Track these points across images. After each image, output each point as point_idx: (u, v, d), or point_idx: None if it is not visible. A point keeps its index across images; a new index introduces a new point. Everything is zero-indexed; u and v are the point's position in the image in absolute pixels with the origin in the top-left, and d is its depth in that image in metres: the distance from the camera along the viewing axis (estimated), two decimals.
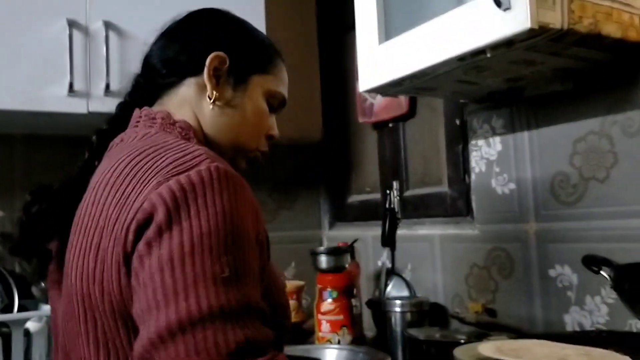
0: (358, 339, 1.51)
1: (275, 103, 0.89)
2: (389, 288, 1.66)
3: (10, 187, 1.69)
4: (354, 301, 1.53)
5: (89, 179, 0.76)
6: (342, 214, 2.04)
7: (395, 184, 1.74)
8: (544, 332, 1.20)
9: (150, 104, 0.84)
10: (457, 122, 1.53)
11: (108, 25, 1.51)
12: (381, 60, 1.25)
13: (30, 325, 1.37)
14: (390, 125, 1.78)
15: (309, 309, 1.76)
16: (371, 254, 1.83)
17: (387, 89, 1.31)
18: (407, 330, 1.36)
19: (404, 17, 1.24)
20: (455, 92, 1.38)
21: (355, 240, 1.68)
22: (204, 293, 0.58)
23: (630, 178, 1.12)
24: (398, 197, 1.73)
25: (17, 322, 1.33)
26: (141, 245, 0.61)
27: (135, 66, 0.90)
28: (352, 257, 1.67)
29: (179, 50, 0.84)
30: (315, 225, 2.09)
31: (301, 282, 1.78)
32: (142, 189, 0.64)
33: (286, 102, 0.92)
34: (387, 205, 1.72)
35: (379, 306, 1.52)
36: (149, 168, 0.66)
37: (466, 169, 1.50)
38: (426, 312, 1.48)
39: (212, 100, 0.80)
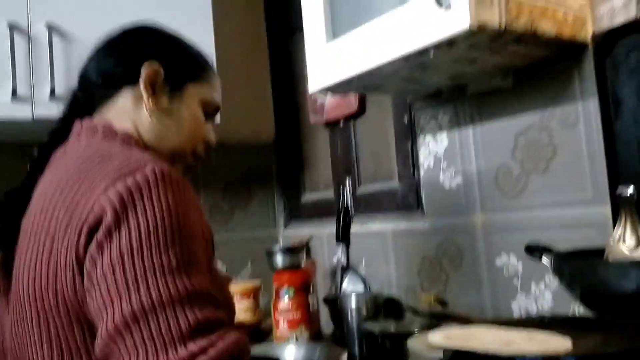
0: (316, 336, 1.53)
1: (210, 110, 0.93)
2: (344, 284, 1.69)
3: None
4: (310, 298, 1.54)
5: (33, 190, 0.78)
6: (297, 213, 2.05)
7: (347, 181, 1.76)
8: (492, 318, 1.25)
9: (90, 115, 0.86)
10: (405, 119, 1.57)
11: (51, 28, 1.48)
12: (329, 59, 1.27)
13: None
14: (341, 123, 1.80)
15: (267, 308, 1.77)
16: (326, 251, 1.85)
17: (336, 88, 1.33)
18: (363, 324, 1.39)
19: (350, 15, 1.26)
20: (402, 90, 1.42)
21: (310, 239, 1.70)
22: (154, 283, 0.61)
23: (568, 169, 1.18)
24: (351, 194, 1.76)
25: None
26: (93, 248, 0.64)
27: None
28: (308, 254, 1.69)
29: (115, 63, 0.86)
30: (270, 225, 2.10)
31: (257, 282, 1.78)
32: (90, 194, 0.66)
33: (220, 109, 0.96)
34: (340, 202, 1.75)
35: (335, 302, 1.55)
36: (96, 174, 0.68)
37: (415, 165, 1.54)
38: (381, 306, 1.51)
39: (149, 110, 0.84)
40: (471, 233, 1.38)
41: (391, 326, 1.33)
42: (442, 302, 1.45)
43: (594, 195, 1.12)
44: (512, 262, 1.29)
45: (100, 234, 0.63)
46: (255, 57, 2.12)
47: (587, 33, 1.11)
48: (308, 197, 2.01)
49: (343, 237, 1.69)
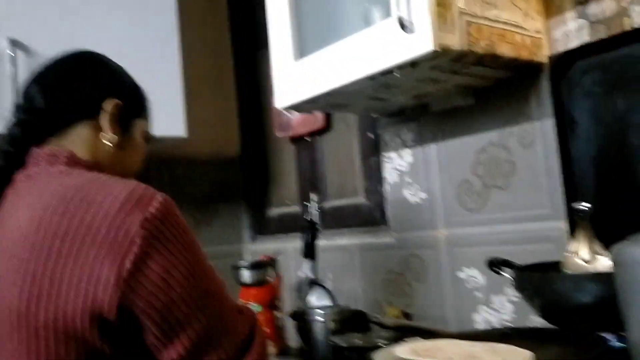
0: (283, 351, 1.54)
1: (147, 141, 1.00)
2: (311, 298, 1.70)
3: None
4: (277, 314, 1.55)
5: None
6: (263, 228, 2.06)
7: (314, 197, 1.78)
8: (456, 331, 1.28)
9: (39, 142, 0.88)
10: (370, 135, 1.60)
11: (14, 44, 1.46)
12: (295, 77, 1.29)
13: None
14: (308, 139, 1.82)
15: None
16: (293, 266, 1.86)
17: (302, 106, 1.36)
18: (330, 338, 1.40)
19: (317, 35, 1.29)
20: (367, 108, 1.45)
21: (277, 254, 1.71)
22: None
23: (526, 185, 1.22)
24: (317, 209, 1.77)
25: None
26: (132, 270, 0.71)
27: None
28: (276, 270, 1.70)
29: (72, 96, 0.89)
30: (236, 240, 2.10)
31: None
32: (111, 223, 0.72)
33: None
34: (306, 217, 1.76)
35: (302, 317, 1.55)
36: (103, 201, 0.73)
37: (380, 180, 1.57)
38: (348, 320, 1.53)
39: (111, 142, 0.89)
40: (435, 247, 1.42)
41: (357, 339, 1.35)
42: (407, 315, 1.48)
43: (551, 211, 1.17)
44: (474, 275, 1.32)
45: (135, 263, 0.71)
46: (220, 71, 2.12)
47: (544, 55, 1.17)
48: (274, 211, 2.02)
49: (309, 252, 1.70)
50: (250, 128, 2.10)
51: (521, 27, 1.14)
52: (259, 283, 1.55)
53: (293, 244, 1.83)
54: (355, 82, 1.15)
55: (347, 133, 1.70)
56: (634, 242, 0.58)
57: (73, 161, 0.84)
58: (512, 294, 1.22)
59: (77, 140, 0.87)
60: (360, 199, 1.66)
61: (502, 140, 1.27)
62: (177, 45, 1.69)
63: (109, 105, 0.89)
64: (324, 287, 1.70)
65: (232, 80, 2.15)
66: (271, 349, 1.49)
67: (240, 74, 2.14)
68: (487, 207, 1.30)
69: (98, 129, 0.89)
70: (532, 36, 1.15)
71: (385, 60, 1.07)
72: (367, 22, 1.15)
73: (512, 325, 1.21)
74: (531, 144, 1.21)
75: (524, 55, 1.15)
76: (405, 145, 1.49)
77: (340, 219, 1.72)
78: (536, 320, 1.15)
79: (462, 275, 1.35)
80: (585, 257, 0.97)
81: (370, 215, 1.62)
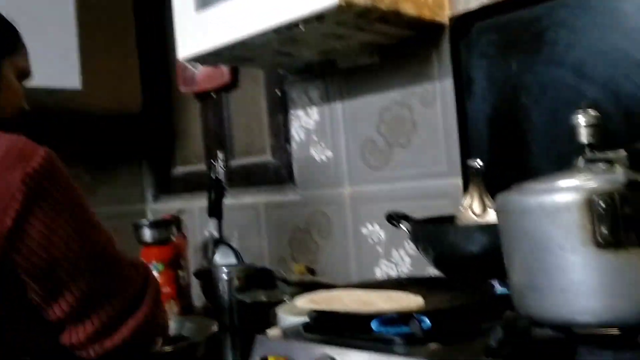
0: (187, 310, 1.52)
1: (23, 78, 0.93)
2: (216, 257, 1.68)
3: None
4: (181, 273, 1.52)
5: None
6: (167, 186, 2.00)
7: (220, 155, 1.75)
8: (355, 283, 1.32)
9: None
10: (278, 92, 1.58)
11: None
12: (198, 28, 1.24)
13: None
14: (213, 95, 1.78)
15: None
16: (198, 225, 1.83)
17: (206, 59, 1.31)
18: (234, 295, 1.40)
19: None
20: (273, 63, 1.42)
21: (180, 212, 1.66)
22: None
23: (427, 144, 1.26)
24: (223, 167, 1.74)
25: None
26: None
27: None
28: (179, 228, 1.66)
29: None
30: (138, 199, 2.03)
31: None
32: None
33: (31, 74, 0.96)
34: (212, 176, 1.73)
35: (206, 276, 1.54)
36: None
37: (287, 138, 1.56)
38: (253, 277, 1.53)
39: None
40: (340, 204, 1.44)
41: (262, 296, 1.36)
42: (312, 271, 1.50)
43: (449, 168, 1.22)
44: (376, 230, 1.36)
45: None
46: (121, 20, 2.00)
47: (445, 16, 1.19)
48: (179, 170, 1.96)
49: (215, 210, 1.68)
50: (153, 82, 2.01)
51: None
52: (161, 242, 1.51)
53: (198, 202, 1.79)
54: (259, 35, 1.12)
55: (254, 89, 1.68)
56: (516, 191, 0.61)
57: None
58: (410, 247, 1.27)
59: None
60: (267, 157, 1.64)
61: (405, 99, 1.29)
62: None
63: None
64: (229, 246, 1.69)
65: (134, 30, 2.04)
66: (173, 307, 1.47)
67: (142, 25, 2.03)
68: (389, 164, 1.33)
69: None
70: None
71: (290, 12, 1.05)
72: None
73: (409, 276, 1.26)
74: (432, 103, 1.25)
75: (426, 14, 1.16)
76: (312, 102, 1.49)
77: (246, 177, 1.70)
78: (431, 272, 1.21)
79: (365, 231, 1.39)
80: (477, 211, 1.02)
81: (277, 174, 1.61)
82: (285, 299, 1.28)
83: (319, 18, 1.04)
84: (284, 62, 1.39)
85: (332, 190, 1.45)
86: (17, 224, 0.67)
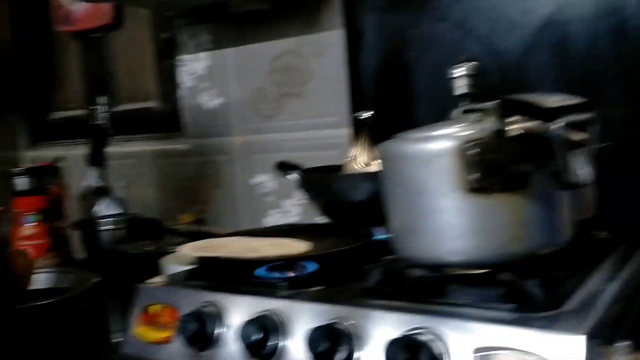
0: (66, 262, 1.45)
1: None
2: (99, 207, 1.60)
3: None
4: (59, 223, 1.44)
5: None
6: (44, 133, 1.86)
7: (102, 99, 1.64)
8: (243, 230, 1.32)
9: None
10: (165, 35, 1.50)
11: None
12: None
13: None
14: (94, 35, 1.65)
15: (7, 236, 1.60)
16: (79, 174, 1.73)
17: None
18: (117, 246, 1.35)
19: None
20: (160, 3, 1.35)
21: (57, 159, 1.56)
22: None
23: (318, 94, 1.27)
24: (106, 113, 1.64)
25: None
26: None
27: None
28: (57, 177, 1.56)
29: None
30: (11, 146, 1.87)
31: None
32: None
33: None
34: (93, 122, 1.63)
35: (87, 226, 1.47)
36: None
37: (175, 84, 1.50)
38: (139, 228, 1.48)
39: None
40: (230, 153, 1.42)
41: (148, 247, 1.32)
42: (201, 221, 1.48)
43: (338, 119, 1.23)
44: (266, 180, 1.36)
45: None
46: None
47: None
48: (56, 115, 1.83)
49: (97, 159, 1.59)
50: (25, 19, 1.83)
51: None
52: (36, 191, 1.41)
53: (79, 150, 1.69)
54: None
55: (139, 31, 1.58)
56: (396, 139, 0.63)
57: None
58: (300, 197, 1.28)
59: None
60: (154, 104, 1.57)
61: (297, 48, 1.28)
62: None
63: None
64: (113, 196, 1.62)
65: None
66: (51, 259, 1.39)
67: None
68: (280, 114, 1.33)
69: None
70: None
71: None
72: None
73: (297, 223, 1.28)
74: (323, 53, 1.25)
75: None
76: (202, 47, 1.43)
77: (131, 125, 1.62)
78: (320, 220, 1.24)
79: (255, 181, 1.38)
80: (364, 161, 1.05)
81: (164, 121, 1.55)
82: (172, 249, 1.25)
83: None
84: (172, 2, 1.32)
85: (222, 139, 1.42)
86: None
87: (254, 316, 0.63)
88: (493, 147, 0.53)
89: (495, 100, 0.57)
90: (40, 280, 1.31)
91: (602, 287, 0.63)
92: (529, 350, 0.48)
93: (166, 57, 1.51)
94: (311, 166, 1.13)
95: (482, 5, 1.05)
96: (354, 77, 1.20)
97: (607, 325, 0.54)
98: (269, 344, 0.61)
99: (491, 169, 0.54)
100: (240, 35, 1.36)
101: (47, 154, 1.80)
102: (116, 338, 0.99)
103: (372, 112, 1.05)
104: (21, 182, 1.40)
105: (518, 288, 0.56)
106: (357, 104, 1.19)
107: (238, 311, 0.66)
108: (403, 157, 0.61)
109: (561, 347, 0.47)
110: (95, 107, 1.64)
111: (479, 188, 0.55)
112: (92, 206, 1.60)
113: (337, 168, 1.07)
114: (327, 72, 1.24)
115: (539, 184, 0.55)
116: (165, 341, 0.70)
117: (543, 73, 1.00)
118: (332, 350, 0.56)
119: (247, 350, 0.61)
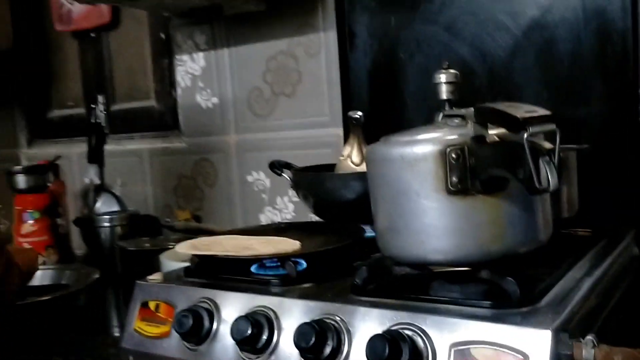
0: (66, 258, 1.48)
1: None
2: (98, 204, 1.63)
3: None
4: (59, 220, 1.47)
5: None
6: (43, 131, 1.88)
7: (100, 98, 1.67)
8: (238, 229, 1.35)
9: None
10: (162, 35, 1.53)
11: None
12: None
13: None
14: (93, 35, 1.68)
15: (9, 233, 1.63)
16: (78, 172, 1.76)
17: None
18: (117, 243, 1.38)
19: None
20: (157, 4, 1.37)
21: (56, 158, 1.59)
22: None
23: (310, 94, 1.29)
24: (104, 112, 1.67)
25: None
26: None
27: None
28: (56, 175, 1.59)
29: None
30: (10, 144, 1.89)
31: None
32: None
33: None
34: (92, 120, 1.65)
35: (87, 223, 1.50)
36: None
37: (172, 84, 1.53)
38: (137, 225, 1.51)
39: None
40: (226, 152, 1.45)
41: (146, 243, 1.35)
42: (197, 218, 1.51)
43: (331, 118, 1.26)
44: (261, 178, 1.39)
45: None
46: None
47: None
48: (56, 113, 1.85)
49: (95, 156, 1.62)
50: (26, 18, 1.85)
51: None
52: (35, 189, 1.44)
53: (78, 148, 1.71)
54: None
55: (137, 31, 1.60)
56: (383, 142, 0.66)
57: None
58: (294, 194, 1.31)
59: None
60: (151, 102, 1.60)
61: (291, 49, 1.31)
62: None
63: None
64: (111, 193, 1.65)
65: None
66: (51, 256, 1.42)
67: None
68: (274, 113, 1.35)
69: None
70: None
71: None
72: None
73: (289, 221, 1.31)
74: (316, 54, 1.27)
75: None
76: (198, 48, 1.46)
77: (129, 123, 1.64)
78: (312, 217, 1.27)
79: (250, 178, 1.41)
80: (356, 160, 1.07)
81: (162, 120, 1.58)
82: (169, 246, 1.28)
83: None
84: (168, 4, 1.34)
85: (218, 137, 1.45)
86: None
87: (246, 312, 0.66)
88: (471, 152, 0.56)
89: (474, 106, 0.60)
90: (41, 276, 1.34)
91: (578, 283, 0.66)
92: (500, 344, 0.51)
93: (163, 56, 1.54)
94: (305, 164, 1.16)
95: (470, 8, 1.07)
96: (346, 78, 1.23)
97: (578, 320, 0.57)
98: (260, 339, 0.64)
99: (470, 173, 0.57)
100: (235, 36, 1.39)
101: (46, 151, 1.83)
102: (115, 332, 1.03)
103: (362, 113, 1.08)
104: (21, 180, 1.43)
105: (496, 285, 0.59)
106: (349, 104, 1.22)
107: (231, 307, 0.69)
108: (388, 160, 0.63)
109: (530, 341, 0.50)
110: (93, 105, 1.67)
111: (458, 190, 0.58)
112: (91, 203, 1.63)
113: (330, 167, 1.09)
114: (320, 73, 1.27)
115: (516, 186, 0.58)
116: (163, 336, 0.73)
117: (529, 74, 1.03)
118: (320, 345, 0.59)
119: (239, 345, 0.64)
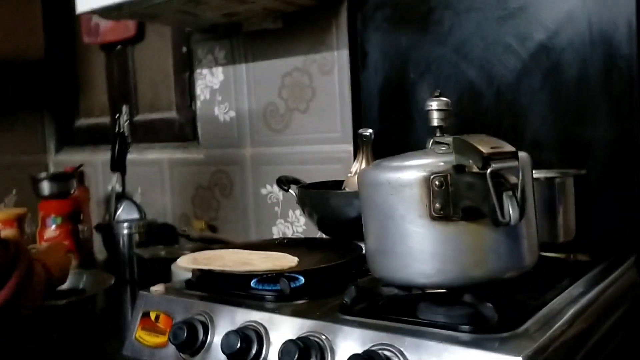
0: (87, 263, 1.53)
1: None
2: (119, 212, 1.69)
3: None
4: (80, 226, 1.52)
5: None
6: (70, 138, 1.96)
7: (124, 108, 1.73)
8: (242, 242, 1.38)
9: None
10: (184, 49, 1.58)
11: None
12: None
13: None
14: (119, 47, 1.74)
15: (33, 236, 1.70)
16: (101, 179, 1.82)
17: (108, 12, 1.29)
18: (134, 250, 1.43)
19: None
20: (178, 21, 1.42)
21: (80, 165, 1.65)
22: None
23: (324, 110, 1.32)
24: (128, 122, 1.73)
25: None
26: None
27: None
28: (80, 182, 1.65)
29: None
30: (39, 150, 1.97)
31: (22, 210, 1.69)
32: None
33: None
34: (116, 130, 1.71)
35: (108, 230, 1.55)
36: None
37: (192, 96, 1.57)
38: (155, 233, 1.56)
39: None
40: (241, 164, 1.48)
41: (162, 251, 1.39)
42: (213, 228, 1.55)
43: (342, 135, 1.29)
44: (274, 191, 1.42)
45: None
46: None
47: None
48: (82, 122, 1.92)
49: (118, 165, 1.67)
50: (57, 31, 1.93)
51: None
52: (60, 195, 1.50)
53: (102, 156, 1.78)
54: None
55: (160, 44, 1.66)
56: (374, 166, 0.68)
57: None
58: None
59: None
60: (172, 114, 1.65)
61: (305, 66, 1.34)
62: None
63: None
64: (132, 201, 1.70)
65: None
66: (72, 260, 1.48)
67: None
68: (289, 128, 1.38)
69: None
70: None
71: None
72: None
73: (298, 236, 1.34)
74: (329, 72, 1.30)
75: None
76: (217, 62, 1.50)
77: (151, 133, 1.70)
78: (318, 233, 1.29)
79: (264, 191, 1.44)
80: None
81: (181, 131, 1.62)
82: (184, 254, 1.32)
83: None
84: (189, 20, 1.39)
85: (234, 150, 1.49)
86: None
87: (238, 327, 0.69)
88: (452, 180, 0.58)
89: (453, 137, 0.61)
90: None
91: (564, 308, 0.66)
92: None
93: (184, 70, 1.59)
94: (317, 179, 1.18)
95: (479, 31, 1.08)
96: (357, 95, 1.25)
97: (558, 347, 0.58)
98: (249, 353, 0.66)
99: (452, 199, 0.59)
100: (252, 52, 1.43)
101: (72, 158, 1.90)
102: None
103: (372, 130, 1.09)
104: (46, 187, 1.49)
105: (476, 310, 0.61)
106: (359, 121, 1.24)
107: (225, 321, 0.72)
108: (376, 184, 0.65)
109: None
110: (117, 115, 1.73)
111: (441, 216, 0.60)
112: (112, 210, 1.69)
113: (339, 183, 1.12)
114: (333, 90, 1.29)
115: None
116: (161, 346, 0.76)
117: (535, 97, 1.03)
118: None
119: (229, 358, 0.67)
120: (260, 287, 0.79)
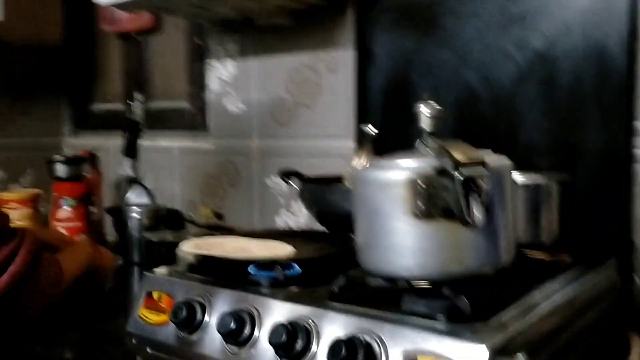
0: (98, 244, 1.59)
1: None
2: (130, 196, 1.75)
3: None
4: (92, 209, 1.58)
5: None
6: (85, 122, 2.02)
7: (138, 96, 1.78)
8: (245, 230, 1.44)
9: None
10: (197, 41, 1.63)
11: None
12: None
13: None
14: (135, 37, 1.80)
15: (46, 217, 1.77)
16: (114, 163, 1.88)
17: (126, 5, 1.34)
18: (142, 233, 1.49)
19: None
20: (192, 14, 1.47)
21: (95, 149, 1.71)
22: None
23: (329, 107, 1.37)
24: (141, 109, 1.78)
25: None
26: None
27: None
28: (94, 165, 1.71)
29: None
30: (55, 133, 2.04)
31: (37, 190, 1.76)
32: None
33: None
34: (130, 116, 1.77)
35: (118, 212, 1.61)
36: None
37: (203, 87, 1.63)
38: (163, 217, 1.61)
39: None
40: (248, 155, 1.54)
41: (169, 235, 1.46)
42: (219, 215, 1.61)
43: (345, 131, 1.33)
44: (278, 182, 1.47)
45: None
46: None
47: None
48: (97, 107, 1.99)
49: (131, 150, 1.73)
50: (75, 17, 1.99)
51: None
52: (74, 178, 1.56)
53: (115, 141, 1.83)
54: None
55: (176, 35, 1.71)
56: (367, 167, 0.73)
57: None
58: None
59: None
60: (184, 103, 1.70)
61: (313, 63, 1.38)
62: None
63: None
64: (143, 186, 1.76)
65: None
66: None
67: None
68: (295, 122, 1.43)
69: None
70: None
71: None
72: None
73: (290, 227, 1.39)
74: (336, 69, 1.34)
75: None
76: (228, 55, 1.55)
77: (163, 121, 1.75)
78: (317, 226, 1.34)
79: (269, 182, 1.50)
80: None
81: (192, 120, 1.68)
82: (190, 239, 1.38)
83: None
84: (203, 14, 1.44)
85: (242, 141, 1.54)
86: None
87: (233, 309, 0.74)
88: (434, 182, 0.63)
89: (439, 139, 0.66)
90: None
91: (539, 304, 0.71)
92: (442, 355, 0.58)
93: (197, 60, 1.64)
94: (319, 172, 1.23)
95: (479, 36, 1.12)
96: (362, 94, 1.29)
97: (527, 339, 0.63)
98: (242, 333, 0.72)
99: (434, 199, 0.64)
100: (262, 47, 1.47)
101: (87, 142, 1.96)
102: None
103: (375, 128, 1.14)
104: (61, 169, 1.55)
105: (452, 302, 0.66)
106: (362, 118, 1.28)
107: (222, 303, 0.77)
108: (367, 182, 0.70)
109: (467, 355, 0.57)
110: (132, 102, 1.79)
111: (423, 214, 0.65)
112: (123, 194, 1.75)
113: (337, 178, 1.16)
114: (338, 87, 1.34)
115: None
116: (162, 324, 0.81)
117: (531, 103, 1.07)
118: (291, 343, 0.67)
119: (223, 337, 0.72)
120: (256, 273, 0.84)
